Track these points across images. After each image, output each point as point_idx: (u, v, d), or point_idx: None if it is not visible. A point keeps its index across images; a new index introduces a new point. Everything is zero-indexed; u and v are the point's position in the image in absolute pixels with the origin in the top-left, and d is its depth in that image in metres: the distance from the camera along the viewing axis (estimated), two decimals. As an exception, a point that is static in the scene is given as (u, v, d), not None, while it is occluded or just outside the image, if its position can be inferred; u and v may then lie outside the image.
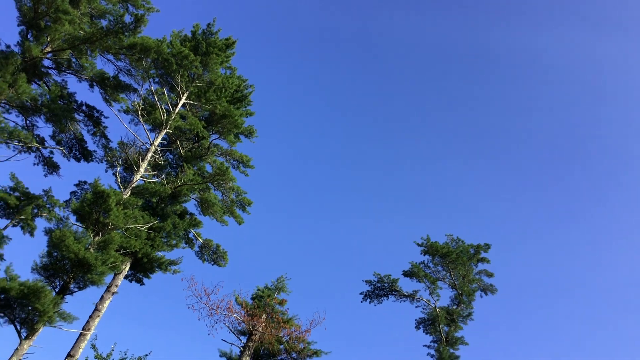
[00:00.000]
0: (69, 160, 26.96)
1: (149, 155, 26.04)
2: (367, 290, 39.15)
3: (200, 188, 29.17)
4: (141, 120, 27.21)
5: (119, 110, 27.91)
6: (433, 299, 37.34)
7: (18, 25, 22.41)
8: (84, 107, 26.32)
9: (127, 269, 24.80)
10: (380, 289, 38.94)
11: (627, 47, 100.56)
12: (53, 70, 25.02)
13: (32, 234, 29.56)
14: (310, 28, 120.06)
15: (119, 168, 26.33)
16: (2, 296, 18.01)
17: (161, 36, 26.89)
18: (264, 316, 27.97)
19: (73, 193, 27.83)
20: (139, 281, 27.16)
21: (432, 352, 34.37)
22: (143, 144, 27.32)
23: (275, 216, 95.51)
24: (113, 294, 23.87)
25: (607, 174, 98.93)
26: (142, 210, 25.00)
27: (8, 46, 22.30)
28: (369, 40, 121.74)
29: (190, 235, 29.84)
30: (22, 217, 28.81)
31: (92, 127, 26.97)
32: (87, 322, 22.44)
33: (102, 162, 28.02)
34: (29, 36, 22.50)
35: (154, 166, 27.92)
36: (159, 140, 26.95)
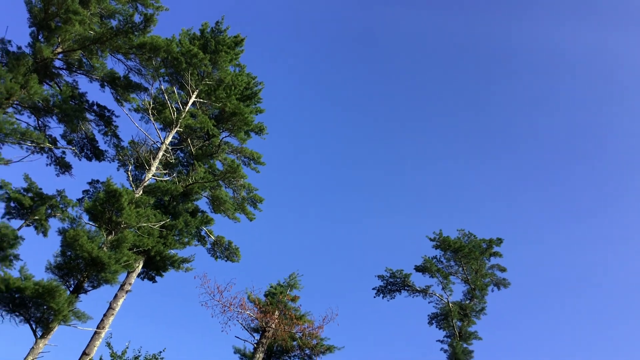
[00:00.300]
0: (79, 160, 27.14)
1: (160, 153, 26.14)
2: (380, 286, 39.12)
3: (212, 186, 29.26)
4: (152, 119, 27.32)
5: (130, 110, 28.06)
6: (446, 294, 37.26)
7: (29, 26, 22.55)
8: (95, 107, 26.47)
9: (140, 267, 24.97)
10: (393, 284, 38.89)
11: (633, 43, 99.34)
12: (64, 71, 25.17)
13: (45, 234, 29.79)
14: (315, 26, 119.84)
15: (130, 167, 26.45)
16: (17, 295, 18.18)
17: (170, 35, 27.03)
18: (276, 313, 28.03)
19: (85, 192, 28.05)
20: (152, 279, 27.34)
21: (446, 347, 34.28)
22: (154, 143, 27.46)
23: (283, 212, 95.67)
24: (127, 292, 24.04)
25: (622, 170, 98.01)
26: (154, 209, 25.12)
27: (19, 47, 22.45)
28: (372, 38, 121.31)
29: (202, 233, 29.97)
30: (36, 217, 29.03)
31: (103, 126, 27.11)
32: (102, 320, 22.63)
33: (113, 161, 28.19)
34: (39, 37, 22.63)
35: (165, 165, 28.03)
36: (169, 138, 27.06)
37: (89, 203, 21.30)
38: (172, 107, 27.46)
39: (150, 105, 27.24)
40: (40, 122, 24.41)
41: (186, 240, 26.89)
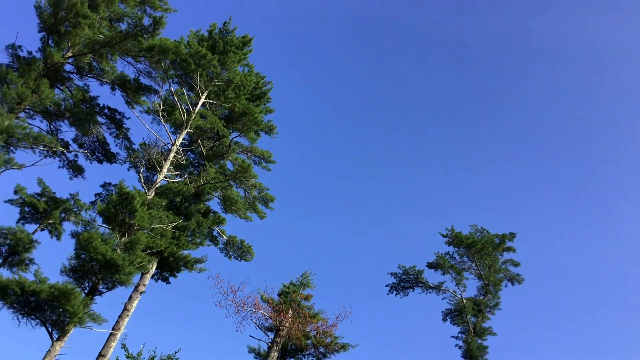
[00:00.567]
0: (91, 163, 27.39)
1: (171, 155, 26.26)
2: (393, 283, 39.03)
3: (223, 186, 29.35)
4: (162, 121, 27.44)
5: (140, 112, 28.22)
6: (459, 290, 37.10)
7: (39, 31, 22.73)
8: (106, 110, 26.65)
9: (154, 268, 25.11)
10: (406, 281, 38.78)
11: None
12: (75, 75, 25.36)
13: (59, 238, 30.06)
14: (324, 25, 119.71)
15: (142, 169, 26.59)
16: (33, 299, 18.35)
17: (178, 36, 27.12)
18: (290, 312, 28.07)
19: (98, 195, 28.25)
20: (166, 280, 27.50)
21: (460, 343, 34.14)
22: (165, 145, 27.59)
23: (294, 210, 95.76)
24: (141, 293, 24.19)
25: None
26: (167, 210, 25.25)
27: (30, 52, 22.67)
28: (376, 37, 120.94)
29: (215, 233, 30.08)
30: (50, 221, 29.31)
31: (114, 129, 27.30)
32: (117, 322, 22.78)
33: (125, 164, 28.39)
34: (49, 42, 22.81)
35: (177, 166, 28.15)
36: (180, 140, 27.17)
37: (102, 206, 21.45)
38: (182, 109, 27.57)
39: (160, 107, 27.37)
40: (52, 126, 24.64)
41: (199, 240, 27.01)
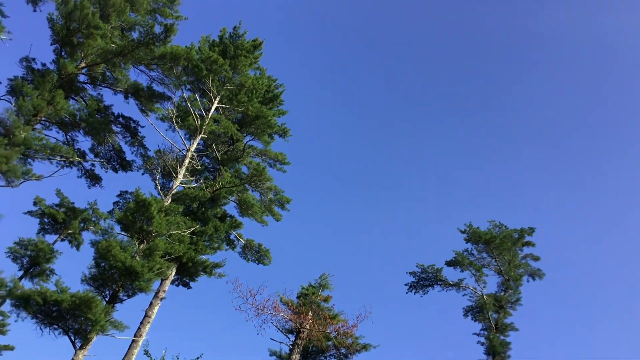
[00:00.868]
0: (106, 172, 27.61)
1: (186, 161, 26.39)
2: (412, 282, 38.84)
3: (238, 190, 29.43)
4: (176, 127, 27.61)
5: (155, 119, 28.42)
6: (479, 287, 36.79)
7: (51, 44, 23.00)
8: (120, 119, 26.87)
9: (173, 274, 25.24)
10: (425, 280, 38.57)
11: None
12: (88, 85, 25.61)
13: (78, 248, 30.38)
14: (333, 25, 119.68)
15: (158, 176, 26.75)
16: (55, 308, 18.55)
17: (189, 42, 27.25)
18: (310, 313, 28.03)
19: (116, 203, 28.49)
20: (186, 285, 27.65)
21: (482, 339, 33.86)
22: (179, 151, 27.75)
23: (310, 211, 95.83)
24: (161, 299, 24.32)
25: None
26: (184, 216, 25.37)
27: (44, 65, 22.94)
28: (378, 37, 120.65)
29: (232, 237, 30.16)
30: (70, 231, 29.64)
31: (129, 137, 27.52)
32: (139, 328, 22.92)
33: (140, 171, 28.58)
34: (63, 53, 23.06)
35: (192, 171, 28.29)
36: (194, 145, 27.30)
37: (119, 214, 21.62)
38: (195, 115, 27.71)
39: (174, 113, 27.53)
40: (68, 137, 24.89)
41: (216, 245, 27.11)
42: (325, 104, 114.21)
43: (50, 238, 29.14)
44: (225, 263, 27.06)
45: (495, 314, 34.71)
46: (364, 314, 27.76)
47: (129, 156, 28.06)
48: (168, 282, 24.89)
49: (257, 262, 30.90)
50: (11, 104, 20.58)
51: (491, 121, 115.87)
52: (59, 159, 22.92)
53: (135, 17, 26.20)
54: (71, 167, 25.86)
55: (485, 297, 35.66)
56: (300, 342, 27.44)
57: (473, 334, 35.02)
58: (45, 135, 22.41)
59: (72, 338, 19.06)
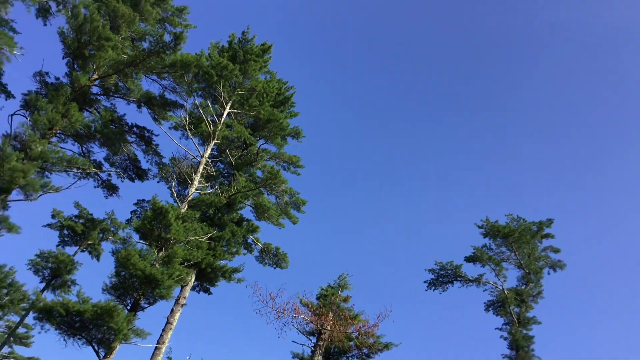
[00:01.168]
0: (122, 181, 27.82)
1: (201, 167, 26.51)
2: (431, 279, 38.61)
3: (254, 194, 29.48)
4: (190, 134, 27.75)
5: (169, 127, 28.60)
6: (500, 281, 36.48)
7: (63, 57, 23.24)
8: (134, 129, 27.07)
9: (193, 280, 25.34)
10: (444, 276, 38.33)
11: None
12: (102, 96, 25.85)
13: (98, 259, 30.64)
14: (341, 26, 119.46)
15: (173, 183, 26.90)
16: (78, 319, 18.71)
17: (199, 50, 27.40)
18: (330, 314, 28.01)
19: (133, 212, 28.68)
20: (207, 291, 27.74)
21: (505, 334, 33.56)
22: (194, 157, 27.87)
23: (326, 212, 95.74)
24: (182, 305, 24.42)
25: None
26: (201, 222, 25.48)
27: (57, 78, 23.20)
28: (381, 37, 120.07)
29: (249, 241, 30.19)
30: (90, 242, 29.92)
31: (144, 146, 27.70)
32: (161, 335, 23.03)
33: (156, 179, 28.76)
34: (75, 66, 23.29)
35: (207, 177, 28.40)
36: (208, 151, 27.40)
37: (137, 222, 21.76)
38: (208, 121, 27.82)
39: (187, 121, 27.68)
40: (84, 148, 25.13)
41: (234, 250, 27.17)
42: (326, 104, 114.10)
43: (70, 250, 29.47)
44: (243, 267, 27.13)
45: (517, 307, 34.39)
46: (385, 313, 27.70)
47: (144, 165, 28.30)
48: (188, 288, 24.99)
49: (274, 266, 30.85)
50: (26, 118, 20.82)
51: (491, 121, 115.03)
52: (76, 171, 23.15)
53: (145, 27, 26.40)
54: (88, 178, 26.09)
55: (506, 291, 35.35)
56: (322, 343, 27.42)
57: (495, 328, 34.73)
58: (61, 147, 22.66)
59: (96, 348, 19.22)
